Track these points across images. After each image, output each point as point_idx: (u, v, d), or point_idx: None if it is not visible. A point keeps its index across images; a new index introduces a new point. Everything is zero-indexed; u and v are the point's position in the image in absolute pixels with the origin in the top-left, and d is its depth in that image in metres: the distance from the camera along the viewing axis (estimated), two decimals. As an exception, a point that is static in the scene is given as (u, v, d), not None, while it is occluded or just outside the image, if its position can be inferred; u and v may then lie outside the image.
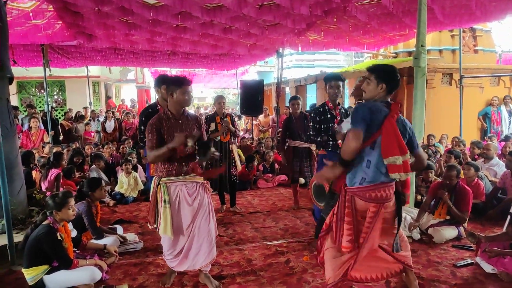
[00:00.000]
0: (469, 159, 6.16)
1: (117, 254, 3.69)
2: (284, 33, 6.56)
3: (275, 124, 10.48)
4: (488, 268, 3.45)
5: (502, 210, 4.81)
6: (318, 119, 4.13)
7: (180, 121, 3.11)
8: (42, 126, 8.56)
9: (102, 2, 4.63)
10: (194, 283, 3.32)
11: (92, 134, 10.38)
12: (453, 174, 4.38)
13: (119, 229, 4.48)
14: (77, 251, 3.51)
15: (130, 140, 8.66)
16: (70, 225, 3.60)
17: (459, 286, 3.22)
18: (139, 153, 7.40)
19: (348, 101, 12.40)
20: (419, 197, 5.19)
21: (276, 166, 7.66)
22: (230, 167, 5.34)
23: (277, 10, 5.18)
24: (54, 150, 6.66)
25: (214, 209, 3.33)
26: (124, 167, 6.42)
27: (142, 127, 3.89)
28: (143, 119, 3.88)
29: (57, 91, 15.73)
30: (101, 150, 7.86)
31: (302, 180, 5.85)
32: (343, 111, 4.20)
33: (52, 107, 11.26)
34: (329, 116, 4.10)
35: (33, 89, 15.37)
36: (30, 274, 3.09)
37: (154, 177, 3.19)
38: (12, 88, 4.39)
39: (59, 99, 15.78)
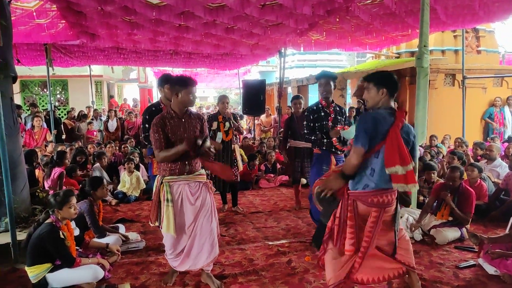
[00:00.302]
0: (472, 160, 6.15)
1: (119, 253, 3.71)
2: (286, 33, 6.56)
3: (277, 124, 10.48)
4: (490, 269, 3.45)
5: (505, 211, 4.80)
6: (312, 117, 4.13)
7: (183, 120, 3.13)
8: (45, 125, 8.58)
9: (105, 1, 4.63)
10: (196, 282, 3.33)
11: (95, 133, 10.40)
12: (456, 175, 4.37)
13: (121, 228, 4.50)
14: (79, 250, 3.52)
15: (132, 139, 8.68)
16: (72, 224, 3.62)
17: None
18: (141, 152, 7.41)
19: (350, 101, 12.39)
20: (421, 198, 5.18)
21: (278, 166, 7.66)
22: (232, 166, 5.35)
23: (279, 10, 5.18)
24: (59, 148, 6.68)
25: (216, 209, 3.34)
26: (127, 166, 6.44)
27: (146, 125, 3.91)
28: (147, 117, 3.90)
29: (60, 90, 15.77)
30: (103, 149, 7.87)
31: (303, 180, 5.85)
32: (338, 108, 4.18)
33: (55, 106, 11.29)
34: (322, 114, 4.10)
35: (36, 88, 15.41)
36: (33, 272, 3.11)
37: (157, 175, 3.21)
38: (15, 87, 4.40)
39: (61, 98, 15.81)
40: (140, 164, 6.94)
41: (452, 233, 4.23)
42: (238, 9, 4.87)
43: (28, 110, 11.89)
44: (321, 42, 7.54)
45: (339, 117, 4.13)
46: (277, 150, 8.12)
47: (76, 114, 11.36)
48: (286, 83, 12.23)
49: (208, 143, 3.08)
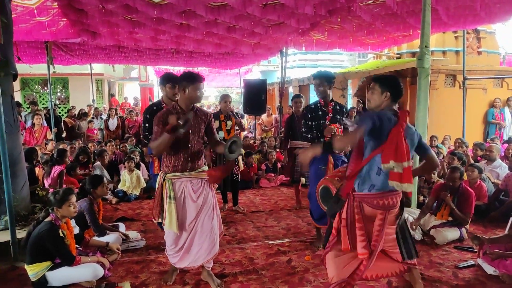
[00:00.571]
0: (472, 161, 6.14)
1: (119, 252, 3.71)
2: (288, 33, 6.56)
3: (277, 124, 10.47)
4: (490, 269, 3.45)
5: (504, 212, 4.80)
6: (309, 116, 4.12)
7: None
8: (45, 123, 8.58)
9: None
10: (196, 281, 3.33)
11: (95, 131, 10.40)
12: (456, 176, 4.38)
13: (121, 227, 4.50)
14: (79, 248, 3.52)
15: (133, 138, 8.68)
16: (72, 222, 3.61)
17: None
18: (142, 150, 7.41)
19: (351, 102, 12.39)
20: (421, 198, 5.19)
21: (279, 165, 7.67)
22: (233, 165, 5.34)
23: (281, 9, 5.18)
24: (60, 146, 6.68)
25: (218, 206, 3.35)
26: (127, 165, 6.44)
27: (147, 125, 3.90)
28: (148, 116, 3.90)
29: (61, 88, 15.76)
30: (104, 147, 7.88)
31: (303, 180, 5.84)
32: (338, 107, 4.14)
33: (55, 104, 11.29)
34: (320, 113, 4.08)
35: (36, 86, 15.41)
36: (32, 271, 3.11)
37: (160, 172, 3.22)
38: (16, 85, 4.37)
39: (62, 96, 15.81)
40: (141, 163, 6.94)
41: (452, 233, 4.23)
42: (240, 8, 4.87)
43: (28, 108, 11.91)
44: (322, 42, 7.54)
45: (338, 116, 4.09)
46: (278, 150, 8.12)
47: (76, 112, 11.36)
48: (287, 83, 12.24)
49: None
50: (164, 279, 3.33)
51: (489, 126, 9.39)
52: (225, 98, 5.35)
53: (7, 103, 4.14)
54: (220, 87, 26.79)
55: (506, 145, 7.33)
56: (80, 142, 8.60)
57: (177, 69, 14.25)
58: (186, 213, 3.11)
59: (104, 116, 11.35)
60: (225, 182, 5.40)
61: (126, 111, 12.53)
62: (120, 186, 6.40)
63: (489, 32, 10.12)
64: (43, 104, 14.69)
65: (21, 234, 3.75)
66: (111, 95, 18.72)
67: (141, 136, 4.06)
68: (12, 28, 4.49)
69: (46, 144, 7.70)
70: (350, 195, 2.65)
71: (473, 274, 3.46)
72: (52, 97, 9.18)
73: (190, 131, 3.10)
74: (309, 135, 4.14)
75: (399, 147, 2.44)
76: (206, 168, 3.27)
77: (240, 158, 5.53)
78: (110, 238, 3.94)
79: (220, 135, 5.22)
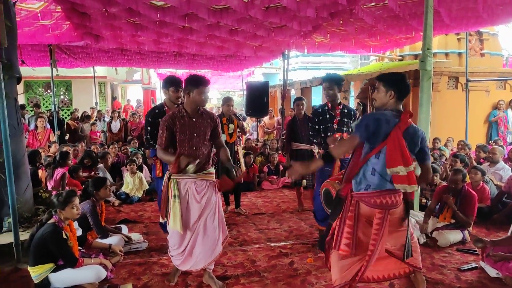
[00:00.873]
0: (475, 163, 6.13)
1: (122, 254, 3.72)
2: (290, 35, 6.58)
3: (280, 126, 10.49)
4: (492, 272, 3.44)
5: (507, 214, 4.79)
6: (316, 119, 4.12)
7: (194, 120, 3.14)
8: (48, 126, 8.62)
9: (110, 3, 4.67)
10: (198, 283, 3.33)
11: (98, 134, 10.44)
12: (459, 178, 4.36)
13: (124, 229, 4.51)
14: (82, 250, 3.53)
15: (135, 140, 8.70)
16: (75, 224, 3.63)
17: (463, 290, 3.21)
18: (144, 153, 7.43)
19: (353, 104, 12.38)
20: (424, 200, 5.17)
21: (281, 167, 7.67)
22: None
23: (283, 12, 5.20)
24: (64, 149, 6.71)
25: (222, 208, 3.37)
26: (129, 168, 6.46)
27: (149, 128, 3.91)
28: (150, 119, 3.90)
29: (64, 91, 15.84)
30: (106, 150, 7.91)
31: (304, 182, 5.83)
32: (345, 111, 4.13)
33: (58, 107, 11.35)
34: (327, 116, 4.08)
35: (40, 89, 15.49)
36: (35, 272, 3.12)
37: (166, 172, 3.25)
38: (19, 88, 4.43)
39: (65, 99, 15.89)
40: (144, 165, 6.95)
41: (454, 236, 4.22)
42: (242, 11, 4.88)
43: (32, 110, 11.97)
44: (324, 44, 7.56)
45: (345, 120, 4.08)
46: (280, 152, 8.12)
47: (79, 115, 11.42)
48: (290, 85, 12.26)
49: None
50: (167, 279, 3.37)
51: (492, 128, 9.36)
52: (227, 101, 5.36)
53: (11, 106, 4.17)
54: (222, 89, 26.83)
55: (510, 147, 7.31)
56: (83, 144, 8.63)
57: (180, 72, 14.34)
58: (189, 213, 3.14)
59: (107, 119, 11.40)
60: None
61: (129, 113, 12.57)
62: (123, 189, 6.42)
63: (492, 34, 10.11)
64: (47, 106, 14.77)
65: (24, 236, 3.77)
66: (113, 98, 18.80)
67: (143, 139, 4.06)
68: (16, 31, 4.53)
69: (49, 146, 7.73)
70: (348, 195, 2.66)
71: (475, 277, 3.44)
72: (55, 99, 9.22)
73: (195, 134, 3.12)
74: (315, 140, 4.13)
75: (404, 151, 2.45)
76: (212, 170, 3.28)
77: (242, 160, 5.53)
78: (112, 240, 3.95)
79: (223, 138, 5.22)
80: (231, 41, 7.15)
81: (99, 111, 12.33)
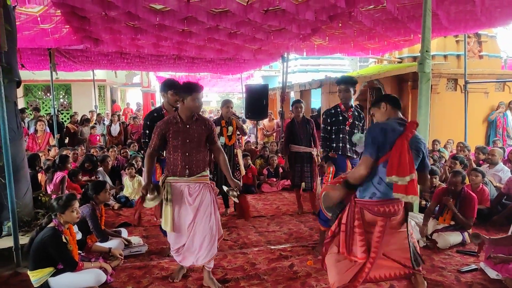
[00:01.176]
0: (474, 165, 6.13)
1: (122, 257, 3.71)
2: (289, 38, 6.59)
3: (279, 129, 10.49)
4: (492, 274, 3.44)
5: (507, 215, 4.80)
6: (329, 120, 4.11)
7: (188, 126, 3.20)
8: (48, 129, 8.63)
9: (109, 7, 4.68)
10: (198, 286, 3.33)
11: (98, 137, 10.45)
12: (458, 180, 4.36)
13: (124, 232, 4.50)
14: (82, 254, 3.53)
15: (135, 144, 8.70)
16: (75, 228, 3.63)
17: (463, 292, 3.21)
18: (144, 156, 7.42)
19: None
20: (423, 202, 5.17)
21: (280, 170, 7.67)
22: (234, 171, 5.35)
23: (282, 15, 5.21)
24: (64, 152, 6.71)
25: (218, 208, 3.40)
26: (127, 172, 6.46)
27: (147, 131, 3.91)
28: (148, 123, 3.90)
29: (63, 94, 15.84)
30: (106, 153, 7.91)
31: (303, 185, 5.83)
32: (356, 113, 4.13)
33: (58, 111, 11.36)
34: (340, 118, 4.07)
35: (39, 93, 15.50)
36: (35, 276, 3.12)
37: (162, 175, 3.37)
38: (19, 91, 4.43)
39: (65, 102, 15.89)
40: (143, 169, 6.94)
41: (454, 238, 4.22)
42: (241, 15, 4.90)
43: (31, 114, 11.97)
44: (323, 47, 7.58)
45: (357, 122, 4.09)
46: (279, 155, 8.12)
47: (79, 118, 11.43)
48: (289, 88, 12.27)
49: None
50: (171, 277, 3.44)
51: (491, 130, 9.37)
52: (226, 104, 5.36)
53: (11, 110, 4.17)
54: (221, 92, 26.84)
55: (509, 148, 7.32)
56: (83, 148, 8.63)
57: (179, 75, 14.36)
58: (183, 216, 3.22)
59: (107, 122, 11.40)
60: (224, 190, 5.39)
61: (130, 117, 12.57)
62: (122, 192, 6.41)
63: (490, 36, 10.13)
64: (46, 110, 14.77)
65: (24, 240, 3.77)
66: (113, 101, 18.80)
67: (142, 142, 4.06)
68: (16, 35, 4.54)
69: (49, 150, 7.74)
70: (351, 201, 2.66)
71: (475, 278, 3.44)
72: (55, 103, 9.23)
73: (188, 140, 3.18)
74: (327, 142, 4.10)
75: (402, 161, 2.45)
76: (206, 172, 3.32)
77: (241, 163, 5.53)
78: (112, 243, 3.95)
79: (221, 140, 5.21)
80: (230, 44, 7.16)
81: (98, 114, 12.33)
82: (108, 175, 6.75)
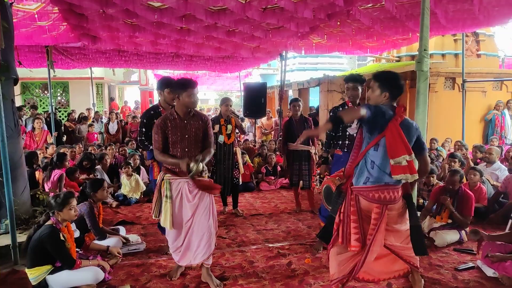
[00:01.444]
0: (472, 164, 6.15)
1: (121, 255, 3.71)
2: (287, 36, 6.59)
3: (277, 127, 10.50)
4: (489, 271, 3.46)
5: (504, 214, 4.81)
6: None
7: (185, 121, 3.22)
8: (45, 127, 8.60)
9: (107, 4, 4.66)
10: (196, 284, 3.34)
11: (96, 135, 10.42)
12: (456, 179, 4.38)
13: (122, 230, 4.50)
14: (80, 252, 3.53)
15: (133, 142, 8.69)
16: (73, 226, 3.63)
17: (460, 290, 3.22)
18: (142, 154, 7.42)
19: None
20: (421, 200, 5.19)
21: (279, 168, 7.68)
22: (233, 169, 5.35)
23: (280, 13, 5.21)
24: (61, 150, 6.69)
25: (216, 210, 3.41)
26: (124, 171, 6.45)
27: (143, 129, 3.91)
28: (144, 121, 3.90)
29: (61, 92, 15.80)
30: (104, 151, 7.89)
31: (301, 183, 5.83)
32: None
33: (55, 108, 11.33)
34: None
35: (37, 90, 15.44)
36: (33, 274, 3.12)
37: (160, 172, 3.34)
38: (16, 89, 4.42)
39: (62, 100, 15.85)
40: (141, 167, 6.94)
41: (451, 236, 4.24)
42: (240, 12, 4.89)
43: (29, 112, 11.94)
44: (322, 45, 7.58)
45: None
46: (277, 153, 8.13)
47: (76, 116, 11.40)
48: (287, 86, 12.27)
49: (201, 166, 3.12)
50: (169, 275, 3.45)
51: (489, 129, 9.40)
52: (225, 102, 5.35)
53: (8, 108, 4.16)
54: (220, 90, 26.83)
55: (507, 147, 7.34)
56: (81, 146, 8.61)
57: (177, 73, 14.33)
58: (182, 213, 3.23)
59: (105, 120, 11.38)
60: (224, 184, 5.41)
61: (129, 115, 12.54)
62: (121, 191, 6.41)
63: (488, 35, 10.16)
64: (44, 108, 14.72)
65: (21, 237, 3.76)
66: (111, 99, 18.76)
67: (138, 140, 4.05)
68: (13, 32, 4.52)
69: (46, 148, 7.71)
70: (348, 189, 2.68)
71: (472, 276, 3.46)
72: (52, 101, 9.20)
73: (187, 136, 3.20)
74: (339, 141, 4.08)
75: (404, 140, 2.49)
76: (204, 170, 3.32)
77: (240, 161, 5.53)
78: (110, 241, 3.94)
79: (220, 139, 5.21)
80: (228, 42, 7.15)
81: (96, 112, 12.30)
82: (106, 173, 6.74)
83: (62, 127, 10.20)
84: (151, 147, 3.75)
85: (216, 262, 3.76)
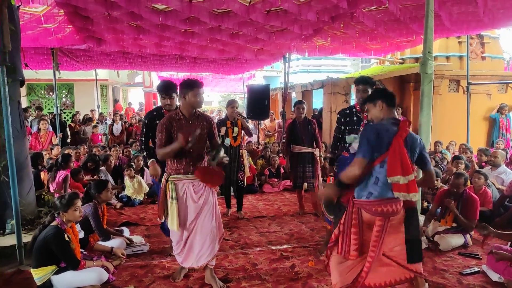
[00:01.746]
0: (476, 167, 6.12)
1: (125, 256, 3.73)
2: (291, 39, 6.60)
3: (281, 129, 10.49)
4: (494, 276, 3.43)
5: (509, 218, 4.78)
6: (343, 120, 4.08)
7: (190, 122, 3.24)
8: (50, 128, 8.65)
9: (112, 7, 4.69)
10: (199, 286, 3.34)
11: (100, 136, 10.46)
12: (461, 182, 4.36)
13: (126, 231, 4.52)
14: (84, 252, 3.55)
15: (137, 143, 8.71)
16: (77, 227, 3.64)
17: (465, 294, 3.20)
18: (145, 156, 7.43)
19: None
20: (425, 204, 5.17)
21: (282, 170, 7.68)
22: (238, 171, 5.34)
23: (284, 16, 5.22)
24: (66, 151, 6.72)
25: (220, 212, 3.42)
26: (126, 173, 6.47)
27: (144, 130, 3.93)
28: (146, 121, 3.91)
29: (66, 93, 15.89)
30: (108, 152, 7.93)
31: (305, 185, 5.84)
32: None
33: (60, 110, 11.39)
34: (355, 118, 4.03)
35: (42, 92, 15.55)
36: (38, 274, 3.14)
37: (164, 174, 3.33)
38: (22, 91, 4.47)
39: (67, 101, 15.93)
40: (145, 168, 6.96)
41: (456, 240, 4.22)
42: (243, 15, 4.91)
43: (34, 113, 12.01)
44: (325, 48, 7.58)
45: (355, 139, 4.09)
46: (281, 155, 8.13)
47: (81, 117, 11.45)
48: (291, 88, 12.26)
49: (222, 153, 3.17)
50: (173, 277, 3.46)
51: (494, 131, 9.35)
52: (231, 104, 5.34)
53: (14, 109, 4.20)
54: (223, 92, 26.86)
55: None
56: (85, 147, 8.65)
57: (181, 75, 14.37)
58: (187, 213, 3.23)
59: (109, 121, 11.43)
60: (228, 187, 5.40)
61: (133, 116, 12.58)
62: (125, 192, 6.43)
63: (493, 37, 10.12)
64: (49, 109, 14.81)
65: (27, 238, 3.78)
66: (116, 101, 18.84)
67: (140, 142, 4.08)
68: (20, 35, 4.56)
69: (51, 149, 7.76)
70: (350, 201, 2.68)
71: (477, 281, 3.44)
72: (57, 102, 9.26)
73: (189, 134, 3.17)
74: (338, 143, 4.06)
75: (403, 160, 2.47)
76: None
77: (246, 164, 5.50)
78: (114, 242, 3.96)
79: (227, 141, 5.17)
80: (232, 45, 7.17)
81: (101, 113, 12.36)
82: (111, 174, 6.77)
83: (67, 128, 10.25)
84: (149, 151, 3.84)
85: (220, 264, 3.77)
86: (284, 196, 6.95)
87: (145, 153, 3.99)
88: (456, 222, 4.33)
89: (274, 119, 11.92)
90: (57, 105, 9.19)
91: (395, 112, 2.72)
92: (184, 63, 10.05)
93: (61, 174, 5.54)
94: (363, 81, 4.04)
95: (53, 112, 10.86)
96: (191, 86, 3.16)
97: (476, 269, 3.64)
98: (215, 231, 3.27)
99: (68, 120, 12.98)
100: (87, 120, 10.77)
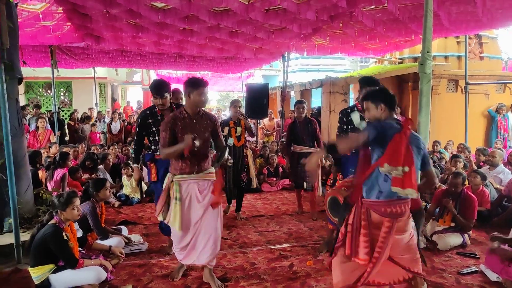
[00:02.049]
0: (475, 166, 6.14)
1: (123, 255, 3.72)
2: (290, 38, 6.60)
3: (279, 128, 10.50)
4: (492, 276, 3.44)
5: (507, 217, 4.80)
6: (345, 120, 4.09)
7: (194, 121, 3.23)
8: (48, 127, 8.63)
9: (111, 4, 4.68)
10: (198, 285, 3.34)
11: (98, 135, 10.44)
12: (459, 182, 4.37)
13: (124, 230, 4.51)
14: (82, 251, 3.54)
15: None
16: (76, 225, 3.64)
17: (463, 293, 3.21)
18: (144, 155, 7.41)
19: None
20: (423, 203, 5.18)
21: (280, 170, 7.68)
22: (241, 172, 5.31)
23: (283, 14, 5.22)
24: (64, 149, 6.70)
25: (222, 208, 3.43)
26: (124, 172, 6.46)
27: (137, 129, 3.93)
28: (139, 120, 3.90)
29: (64, 91, 15.84)
30: (106, 151, 7.91)
31: (305, 185, 5.83)
32: None
33: (59, 108, 11.36)
34: (357, 118, 4.05)
35: (40, 90, 15.49)
36: (36, 273, 3.13)
37: (168, 173, 3.30)
38: (20, 88, 4.46)
39: (65, 99, 15.89)
40: (143, 167, 6.94)
41: (454, 239, 4.23)
42: (243, 14, 4.90)
43: (32, 111, 11.97)
44: (324, 47, 7.58)
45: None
46: (279, 154, 8.12)
47: (79, 115, 11.43)
48: (289, 87, 12.26)
49: (226, 155, 3.20)
50: (171, 276, 3.45)
51: (492, 131, 9.38)
52: (234, 103, 5.31)
53: (12, 107, 4.18)
54: (222, 91, 26.83)
55: (510, 150, 7.32)
56: (83, 145, 8.63)
57: (180, 73, 14.35)
58: (191, 213, 3.21)
59: (107, 120, 11.41)
60: (231, 188, 5.35)
61: (132, 115, 12.56)
62: (122, 191, 6.42)
63: (491, 37, 10.14)
64: (47, 107, 14.77)
65: (25, 236, 3.77)
66: (114, 100, 18.79)
67: (134, 141, 4.06)
68: (18, 32, 4.54)
69: (49, 147, 7.74)
70: (358, 201, 2.66)
71: (476, 281, 3.45)
72: (55, 100, 9.24)
73: (196, 134, 3.16)
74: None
75: (396, 152, 2.43)
76: (212, 169, 3.32)
77: (251, 163, 5.46)
78: (112, 241, 3.95)
79: (230, 141, 5.12)
80: (231, 43, 7.17)
81: (99, 112, 12.33)
82: (109, 173, 6.75)
83: (65, 127, 10.23)
84: (143, 150, 3.89)
85: (218, 263, 3.76)
86: (282, 195, 6.95)
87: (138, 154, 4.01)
88: (454, 222, 4.34)
89: (273, 118, 11.93)
90: (55, 103, 9.15)
91: (395, 114, 2.70)
92: (183, 61, 10.04)
93: (59, 172, 5.52)
94: (367, 82, 4.02)
95: (51, 110, 10.84)
96: (196, 85, 3.15)
97: (474, 268, 3.65)
98: (218, 232, 3.26)
99: (66, 118, 12.95)
100: (86, 118, 10.74)
